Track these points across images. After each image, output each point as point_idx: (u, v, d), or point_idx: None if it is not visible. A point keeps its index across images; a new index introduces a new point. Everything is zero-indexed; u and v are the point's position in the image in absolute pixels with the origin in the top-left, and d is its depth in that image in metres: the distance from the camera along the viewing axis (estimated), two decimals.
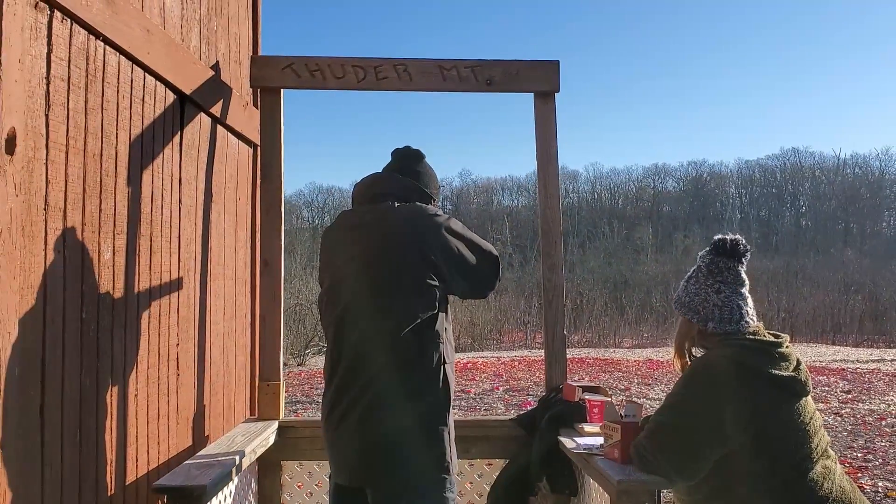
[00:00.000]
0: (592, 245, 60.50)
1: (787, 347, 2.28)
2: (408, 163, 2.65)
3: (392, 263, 2.37)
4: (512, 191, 71.94)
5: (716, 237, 2.42)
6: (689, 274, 2.44)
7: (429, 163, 2.71)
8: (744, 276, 2.37)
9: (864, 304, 35.86)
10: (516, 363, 15.86)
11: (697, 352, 2.41)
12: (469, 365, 15.72)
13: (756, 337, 2.28)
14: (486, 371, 14.20)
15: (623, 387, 11.74)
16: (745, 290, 2.36)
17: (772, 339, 2.30)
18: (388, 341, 2.32)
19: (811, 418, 2.23)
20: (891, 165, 70.55)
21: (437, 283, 2.39)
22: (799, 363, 2.27)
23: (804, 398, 2.24)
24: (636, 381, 12.40)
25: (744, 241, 2.39)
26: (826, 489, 2.16)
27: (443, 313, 2.43)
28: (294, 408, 9.73)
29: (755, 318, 2.34)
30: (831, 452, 2.28)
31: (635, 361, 16.34)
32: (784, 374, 2.20)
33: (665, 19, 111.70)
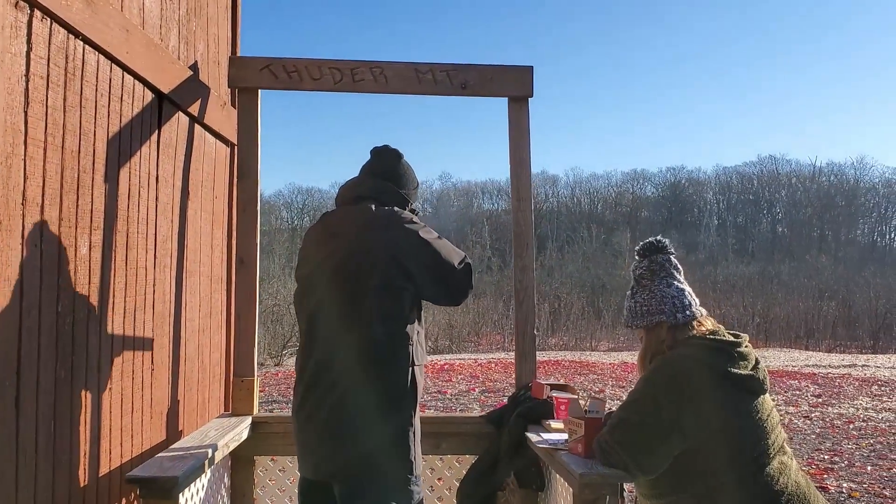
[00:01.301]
0: (571, 249, 60.72)
1: (745, 347, 2.35)
2: (386, 162, 2.71)
3: (365, 265, 2.43)
4: (492, 194, 72.08)
5: (641, 243, 2.51)
6: (630, 291, 2.50)
7: (407, 162, 2.77)
8: (679, 264, 2.47)
9: (837, 310, 36.31)
10: (493, 365, 15.93)
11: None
12: (446, 366, 15.78)
13: (716, 337, 2.35)
14: (463, 372, 14.26)
15: (597, 389, 11.86)
16: (683, 277, 2.46)
17: (731, 339, 2.37)
18: (357, 341, 2.38)
19: (768, 415, 2.30)
20: (865, 174, 71.51)
21: (408, 287, 2.45)
22: (757, 362, 2.35)
23: (762, 396, 2.31)
24: (611, 383, 12.52)
25: (661, 237, 2.50)
26: (782, 484, 2.23)
27: (414, 316, 2.49)
28: (270, 408, 9.75)
29: (697, 302, 2.44)
30: (788, 449, 2.36)
31: (610, 364, 16.48)
32: (743, 372, 2.27)
33: (645, 26, 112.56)
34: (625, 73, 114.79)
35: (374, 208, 2.52)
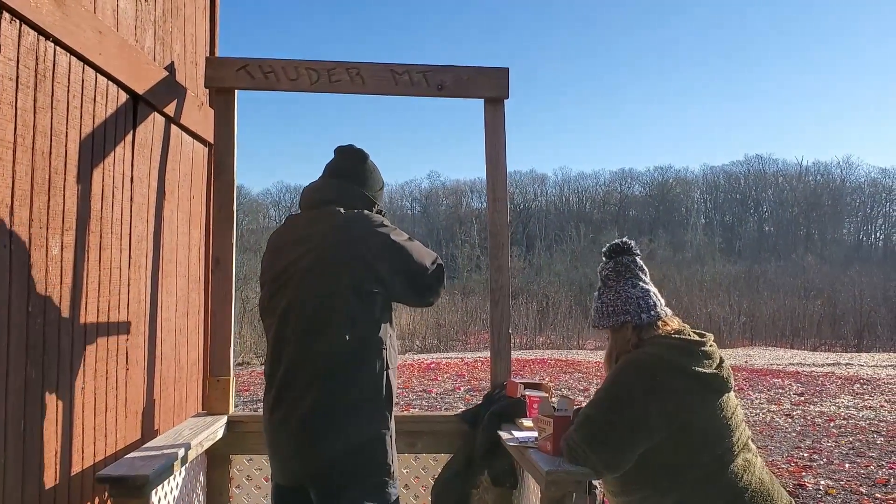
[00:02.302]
0: (559, 248, 60.87)
1: (710, 346, 2.39)
2: (350, 163, 2.68)
3: (335, 270, 2.41)
4: (481, 193, 71.83)
5: (607, 245, 2.54)
6: (597, 292, 2.53)
7: (372, 162, 2.74)
8: (644, 265, 2.50)
9: (822, 309, 36.53)
10: (479, 364, 15.95)
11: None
12: (432, 365, 15.80)
13: (681, 336, 2.39)
14: (449, 371, 14.29)
15: (582, 387, 11.90)
16: (648, 278, 2.50)
17: (696, 338, 2.40)
18: (329, 347, 2.37)
19: (733, 413, 2.34)
20: (851, 174, 72.10)
21: (380, 291, 2.45)
22: (721, 361, 2.38)
23: (726, 394, 2.35)
24: (595, 381, 12.56)
25: (627, 239, 2.55)
26: (746, 481, 2.27)
27: (386, 319, 2.49)
28: (255, 406, 9.75)
29: (662, 302, 2.48)
30: (752, 446, 2.40)
31: (596, 363, 16.52)
32: (707, 371, 2.31)
33: (633, 27, 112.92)
34: (613, 72, 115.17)
35: (342, 212, 2.50)
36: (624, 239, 2.54)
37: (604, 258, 2.54)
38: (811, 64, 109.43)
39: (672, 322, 2.43)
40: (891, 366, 17.81)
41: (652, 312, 2.40)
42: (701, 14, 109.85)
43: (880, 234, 70.18)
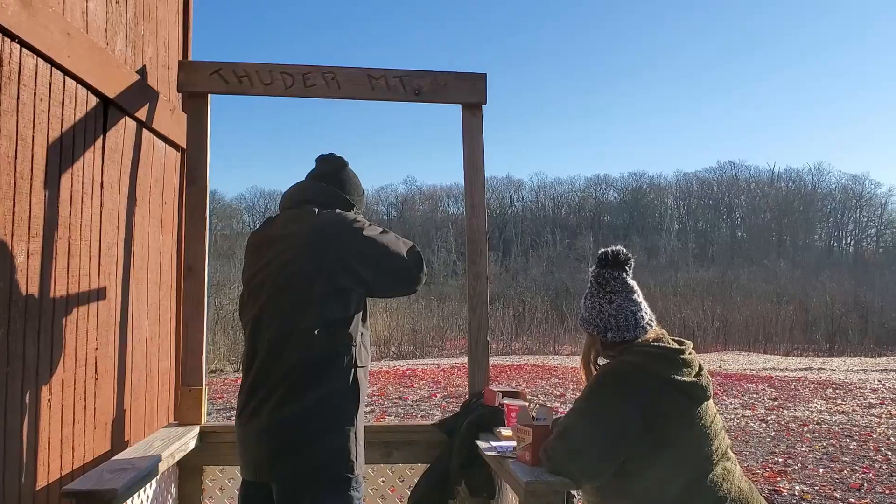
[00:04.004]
0: (536, 253, 61.12)
1: (689, 354, 2.37)
2: (331, 170, 2.73)
3: (309, 267, 2.45)
4: (457, 198, 72.03)
5: (600, 251, 2.52)
6: (584, 292, 2.52)
7: (352, 170, 2.79)
8: (631, 282, 2.46)
9: (794, 314, 36.97)
10: (456, 370, 15.92)
11: (602, 362, 2.49)
12: (408, 372, 15.74)
13: (660, 344, 2.37)
14: (426, 378, 14.24)
15: (558, 393, 11.91)
16: (637, 297, 2.45)
17: (675, 345, 2.39)
18: (300, 342, 2.39)
19: (712, 422, 2.33)
20: (823, 180, 73.07)
21: (354, 288, 2.48)
22: (701, 369, 2.37)
23: (705, 402, 2.33)
24: (571, 387, 12.58)
25: (624, 251, 2.49)
26: (725, 489, 2.26)
27: (358, 318, 2.51)
28: (229, 415, 9.64)
29: (653, 322, 2.44)
30: (731, 454, 2.38)
31: (572, 368, 16.57)
32: (686, 379, 2.29)
33: (608, 34, 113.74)
34: (589, 79, 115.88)
35: (317, 211, 2.54)
36: (618, 249, 2.49)
37: (595, 263, 2.52)
38: (783, 71, 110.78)
39: (651, 331, 2.42)
40: (862, 370, 18.04)
41: (621, 334, 2.38)
42: (675, 22, 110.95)
43: (851, 240, 71.19)
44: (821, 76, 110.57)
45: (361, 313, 2.54)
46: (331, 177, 2.69)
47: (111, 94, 2.89)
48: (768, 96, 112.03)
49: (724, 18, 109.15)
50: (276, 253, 2.51)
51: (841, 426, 9.32)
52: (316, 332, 2.39)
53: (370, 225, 2.57)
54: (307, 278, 2.43)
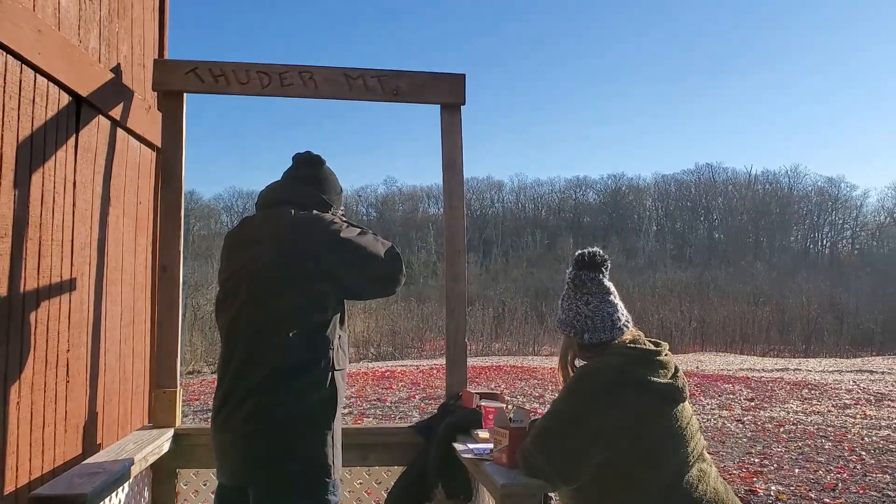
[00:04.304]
0: (516, 254, 61.29)
1: (665, 355, 2.38)
2: (308, 169, 2.70)
3: (284, 271, 2.41)
4: (438, 199, 71.96)
5: (576, 252, 2.52)
6: (561, 294, 2.52)
7: (329, 168, 2.76)
8: (608, 284, 2.47)
9: (771, 315, 37.36)
10: (435, 371, 15.91)
11: (580, 363, 2.49)
12: (387, 373, 15.70)
13: (636, 345, 2.37)
14: (404, 379, 14.20)
15: (538, 394, 11.93)
16: (613, 298, 2.45)
17: (651, 347, 2.39)
18: (276, 348, 2.36)
19: (688, 423, 2.33)
20: (799, 182, 73.87)
21: (331, 292, 2.45)
22: (677, 370, 2.37)
23: (681, 404, 2.34)
24: (551, 388, 12.60)
25: (601, 252, 2.50)
26: (701, 491, 2.26)
27: (336, 321, 2.48)
28: (206, 416, 9.56)
29: (629, 323, 2.44)
30: (707, 456, 2.39)
31: (551, 369, 16.60)
32: (662, 380, 2.29)
33: (586, 36, 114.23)
34: (568, 81, 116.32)
35: (293, 213, 2.51)
36: (595, 251, 2.49)
37: (572, 264, 2.52)
38: (761, 74, 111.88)
39: (628, 332, 2.42)
40: (837, 371, 18.23)
41: (597, 335, 2.37)
42: (652, 25, 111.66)
43: (826, 242, 71.99)
44: (798, 79, 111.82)
45: (339, 316, 2.51)
46: (308, 176, 2.66)
47: (84, 93, 2.85)
48: (746, 99, 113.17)
49: (702, 22, 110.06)
50: (252, 255, 2.48)
51: (816, 427, 9.40)
52: (292, 337, 2.36)
53: (347, 226, 2.54)
54: (283, 283, 2.40)
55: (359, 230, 2.59)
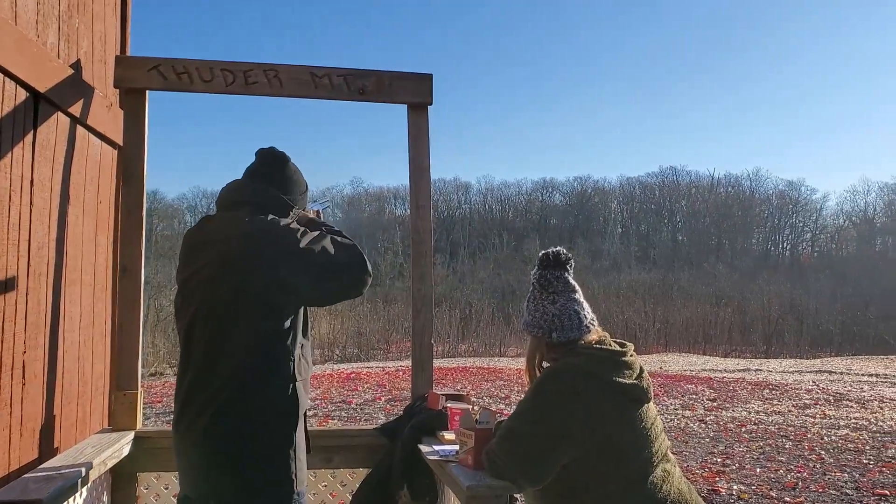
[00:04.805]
0: (483, 255, 61.43)
1: (631, 356, 2.39)
2: (269, 167, 2.59)
3: (239, 279, 2.32)
4: (404, 200, 71.84)
5: (541, 253, 2.53)
6: (527, 296, 2.52)
7: (294, 165, 2.65)
8: (573, 283, 2.48)
9: (733, 316, 37.92)
10: (401, 373, 15.88)
11: (546, 365, 2.49)
12: (353, 375, 15.64)
13: (602, 346, 2.38)
14: (370, 381, 14.16)
15: (503, 395, 11.96)
16: (579, 296, 2.46)
17: (617, 348, 2.40)
18: (232, 359, 2.28)
19: (652, 423, 2.34)
20: (760, 185, 75.16)
21: (290, 300, 2.36)
22: (642, 371, 2.39)
23: (646, 404, 2.35)
24: (517, 389, 12.65)
25: (565, 251, 2.51)
26: (665, 491, 2.27)
27: (296, 330, 2.40)
28: (167, 419, 9.43)
29: (595, 322, 2.45)
30: (671, 456, 2.41)
31: (517, 370, 16.67)
32: (628, 381, 2.31)
33: (553, 38, 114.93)
34: (535, 83, 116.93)
35: (247, 220, 2.40)
36: (557, 251, 2.50)
37: (537, 265, 2.52)
38: (724, 78, 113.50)
39: (594, 332, 2.42)
40: (797, 371, 18.56)
41: (566, 333, 2.38)
42: (619, 27, 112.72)
43: (787, 245, 73.31)
44: (759, 84, 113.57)
45: (300, 324, 2.43)
46: (268, 175, 2.56)
47: (42, 89, 2.78)
48: (710, 103, 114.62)
49: (666, 26, 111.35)
50: (208, 260, 2.38)
51: (777, 426, 9.56)
52: (250, 345, 2.29)
53: (304, 231, 2.42)
54: (239, 291, 2.31)
55: (317, 232, 2.45)
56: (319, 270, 2.39)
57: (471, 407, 3.07)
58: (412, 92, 3.52)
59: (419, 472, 2.95)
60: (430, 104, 3.57)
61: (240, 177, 2.63)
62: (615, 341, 2.45)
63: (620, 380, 2.29)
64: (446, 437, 2.90)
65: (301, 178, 2.67)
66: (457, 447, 2.64)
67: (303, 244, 2.37)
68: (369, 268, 2.51)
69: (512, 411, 2.40)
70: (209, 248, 2.41)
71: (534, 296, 2.47)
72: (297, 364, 2.38)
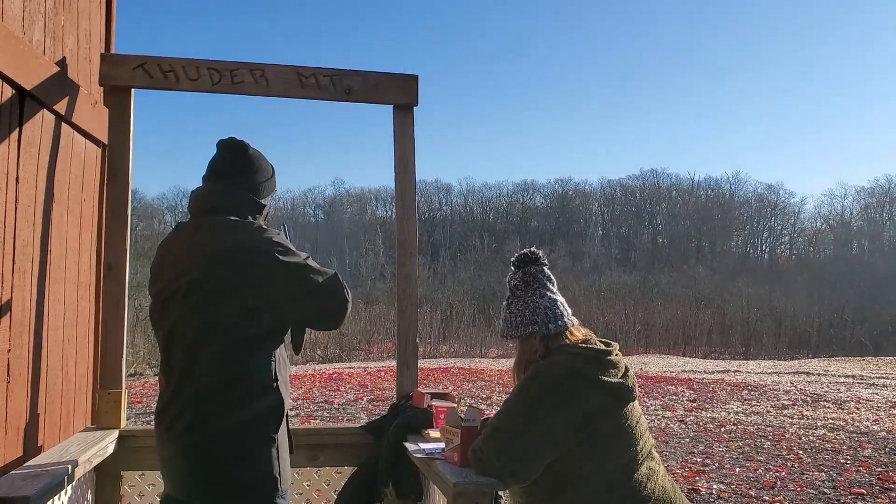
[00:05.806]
0: (464, 257, 61.44)
1: (616, 355, 2.42)
2: (232, 162, 2.56)
3: (219, 290, 2.33)
4: (386, 201, 71.86)
5: (516, 254, 2.56)
6: (506, 302, 2.53)
7: (255, 151, 2.61)
8: (549, 273, 2.53)
9: (712, 318, 38.21)
10: (383, 373, 15.88)
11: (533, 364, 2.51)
12: (335, 375, 15.61)
13: (588, 345, 2.41)
14: (352, 381, 14.15)
15: (485, 395, 12.00)
16: (555, 287, 2.52)
17: (602, 347, 2.43)
18: (212, 364, 2.30)
19: (637, 422, 2.38)
20: (740, 188, 75.78)
21: (268, 312, 2.36)
22: (627, 370, 2.42)
23: (631, 403, 2.38)
24: (498, 389, 12.70)
25: (534, 249, 2.57)
26: (649, 489, 2.30)
27: (276, 339, 2.41)
28: (148, 419, 9.38)
29: (569, 311, 2.50)
30: (655, 454, 2.44)
31: (498, 371, 16.73)
32: (613, 380, 2.34)
33: (535, 41, 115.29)
34: (515, 85, 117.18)
35: (226, 227, 2.40)
36: (532, 249, 2.55)
37: (512, 268, 2.55)
38: (704, 81, 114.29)
39: (579, 331, 2.45)
40: (775, 373, 18.74)
41: (559, 322, 2.42)
42: (599, 30, 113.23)
43: (766, 247, 73.94)
44: (740, 87, 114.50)
45: (279, 336, 2.44)
46: (233, 171, 2.53)
47: (28, 86, 2.78)
48: (690, 105, 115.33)
49: (647, 28, 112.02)
50: (183, 271, 2.37)
51: (756, 427, 9.65)
52: (228, 353, 2.29)
53: (287, 249, 2.40)
54: (219, 300, 2.31)
55: (301, 256, 2.44)
56: (300, 292, 2.40)
57: (456, 405, 3.09)
58: (398, 93, 3.54)
59: (405, 470, 2.97)
60: (416, 105, 3.59)
61: (205, 171, 2.61)
62: (600, 340, 2.48)
63: (606, 378, 2.32)
64: (432, 435, 2.91)
65: (265, 163, 2.64)
66: (442, 445, 2.66)
67: (287, 260, 2.38)
68: (349, 295, 2.51)
69: (498, 409, 2.43)
70: (185, 258, 2.40)
71: (519, 295, 2.48)
72: (278, 365, 2.39)
